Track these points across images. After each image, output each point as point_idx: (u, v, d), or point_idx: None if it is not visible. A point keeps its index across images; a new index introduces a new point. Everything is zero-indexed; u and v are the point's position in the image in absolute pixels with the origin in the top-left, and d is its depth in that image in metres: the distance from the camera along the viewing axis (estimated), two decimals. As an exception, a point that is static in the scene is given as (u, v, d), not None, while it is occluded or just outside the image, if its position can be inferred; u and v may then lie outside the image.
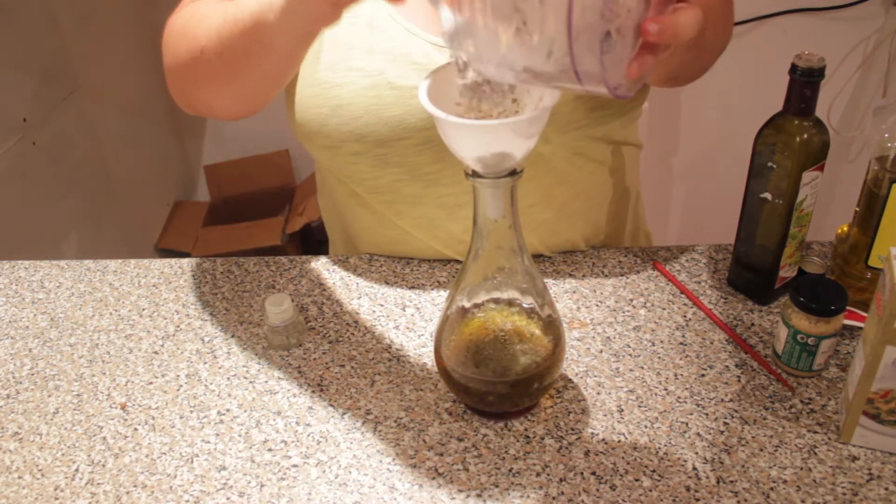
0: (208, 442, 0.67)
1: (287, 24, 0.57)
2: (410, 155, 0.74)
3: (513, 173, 0.54)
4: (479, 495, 0.60)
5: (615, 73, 0.43)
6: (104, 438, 0.68)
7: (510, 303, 0.64)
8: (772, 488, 0.59)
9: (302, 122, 0.75)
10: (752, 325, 0.74)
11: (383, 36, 0.72)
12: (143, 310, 0.83)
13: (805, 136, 0.67)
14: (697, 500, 0.58)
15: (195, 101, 0.72)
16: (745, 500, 0.58)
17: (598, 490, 0.60)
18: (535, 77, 0.44)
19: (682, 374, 0.69)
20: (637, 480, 0.60)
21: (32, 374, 0.76)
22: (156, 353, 0.77)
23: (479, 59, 0.46)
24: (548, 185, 0.78)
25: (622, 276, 0.82)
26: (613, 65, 0.43)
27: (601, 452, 0.63)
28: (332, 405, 0.69)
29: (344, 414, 0.68)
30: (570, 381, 0.70)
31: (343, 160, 0.76)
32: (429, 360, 0.73)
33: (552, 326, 0.64)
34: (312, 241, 2.27)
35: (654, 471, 0.61)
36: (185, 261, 0.90)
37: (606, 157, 0.81)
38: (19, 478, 0.65)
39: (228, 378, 0.73)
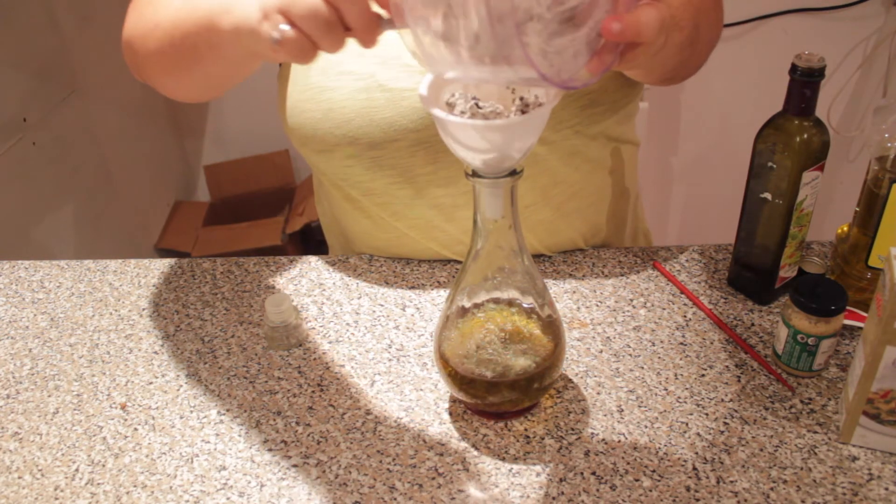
0: (208, 442, 0.67)
1: (235, 39, 0.55)
2: (403, 157, 0.74)
3: (513, 173, 0.54)
4: (479, 495, 0.60)
5: (568, 64, 0.42)
6: (104, 438, 0.68)
7: (510, 303, 0.64)
8: (772, 488, 0.59)
9: (295, 127, 0.75)
10: (752, 325, 0.74)
11: None
12: (143, 310, 0.83)
13: (805, 136, 0.67)
14: (697, 500, 0.58)
15: (144, 73, 0.71)
16: (745, 500, 0.58)
17: (598, 490, 0.60)
18: (474, 70, 0.43)
19: (682, 374, 0.69)
20: (637, 480, 0.60)
21: (32, 374, 0.76)
22: (156, 353, 0.77)
23: (429, 60, 0.45)
24: (545, 185, 0.78)
25: (622, 276, 0.82)
26: (565, 55, 0.42)
27: (601, 452, 0.63)
28: (332, 405, 0.69)
29: (344, 414, 0.68)
30: (570, 381, 0.69)
31: (338, 164, 0.76)
32: (429, 360, 0.73)
33: (552, 326, 0.64)
34: (312, 241, 2.26)
35: (654, 471, 0.61)
36: (185, 261, 0.90)
37: (604, 156, 0.81)
38: (19, 478, 0.65)
39: (228, 378, 0.73)
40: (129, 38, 0.69)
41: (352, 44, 0.72)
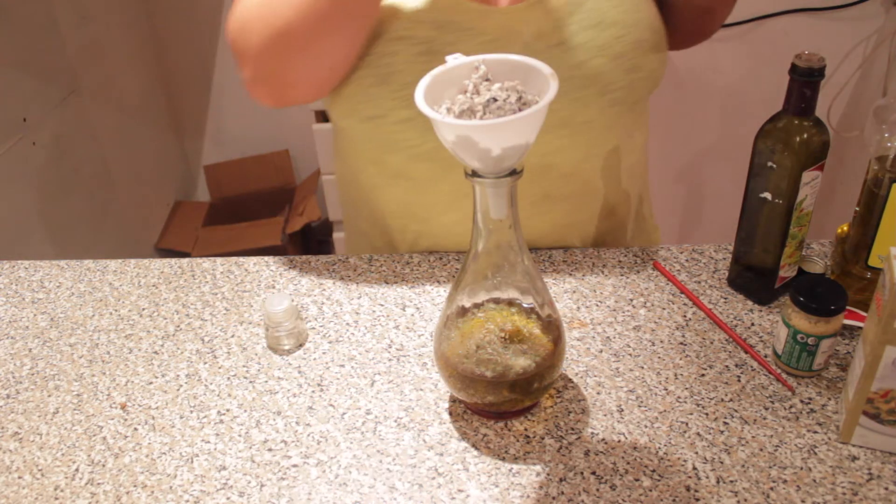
0: (208, 442, 0.67)
1: None
2: None
3: (513, 173, 0.54)
4: (479, 495, 0.60)
5: None
6: (104, 438, 0.68)
7: (510, 303, 0.64)
8: (772, 488, 0.59)
9: (348, 95, 0.76)
10: (752, 324, 0.74)
11: (428, 5, 0.73)
12: (143, 310, 0.83)
13: (805, 135, 0.67)
14: (697, 499, 0.58)
15: (287, 76, 0.73)
16: (745, 500, 0.58)
17: (598, 490, 0.60)
18: None
19: (682, 374, 0.69)
20: (637, 480, 0.60)
21: (32, 374, 0.76)
22: (156, 353, 0.77)
23: None
24: (583, 155, 0.80)
25: (622, 276, 0.82)
26: None
27: (601, 452, 0.63)
28: (332, 405, 0.69)
29: (344, 414, 0.68)
30: (570, 381, 0.70)
31: (388, 129, 0.77)
32: (429, 360, 0.73)
33: (552, 326, 0.64)
34: (312, 241, 2.27)
35: (653, 470, 0.61)
36: (185, 261, 0.90)
37: (628, 134, 0.83)
38: (19, 478, 0.65)
39: (228, 378, 0.73)
40: (246, 22, 0.71)
41: (406, 11, 0.73)
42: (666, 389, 0.68)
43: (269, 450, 0.65)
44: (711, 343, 0.73)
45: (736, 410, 0.66)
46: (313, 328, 0.78)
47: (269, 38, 0.70)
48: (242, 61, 0.73)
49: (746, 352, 0.71)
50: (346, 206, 0.95)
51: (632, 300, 0.78)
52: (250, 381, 0.72)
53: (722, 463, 0.61)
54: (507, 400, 0.63)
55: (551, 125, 0.75)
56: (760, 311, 0.76)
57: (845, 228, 0.76)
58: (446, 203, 0.82)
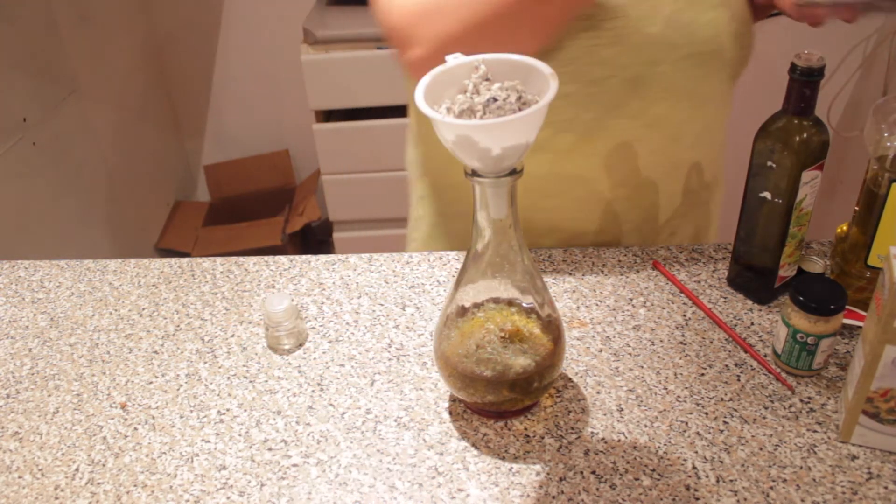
0: (208, 441, 0.67)
1: None
2: (621, 93, 0.76)
3: (512, 172, 0.55)
4: (479, 494, 0.60)
5: None
6: (104, 438, 0.68)
7: (510, 302, 0.64)
8: (771, 487, 0.59)
9: None
10: (752, 324, 0.74)
11: None
12: (143, 310, 0.83)
13: (804, 135, 0.67)
14: (697, 499, 0.59)
15: (445, 46, 0.72)
16: (745, 499, 0.58)
17: (597, 489, 0.60)
18: None
19: (681, 374, 0.69)
20: (637, 479, 0.60)
21: (32, 374, 0.76)
22: (156, 352, 0.77)
23: None
24: (703, 126, 0.82)
25: (622, 275, 0.82)
26: None
27: (601, 451, 0.63)
28: (332, 405, 0.69)
29: (344, 414, 0.68)
30: (570, 380, 0.70)
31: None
32: (429, 359, 0.73)
33: (552, 326, 0.64)
34: (312, 241, 2.27)
35: (653, 470, 0.61)
36: (185, 261, 0.91)
37: (728, 110, 0.86)
38: (19, 478, 0.65)
39: (228, 378, 0.73)
40: (431, 8, 0.70)
41: None
42: (666, 389, 0.68)
43: (270, 449, 0.65)
44: (711, 342, 0.73)
45: (735, 410, 0.66)
46: (313, 328, 0.78)
47: (465, 26, 0.68)
48: (418, 43, 0.71)
49: (746, 351, 0.71)
50: (442, 192, 0.93)
51: (631, 300, 0.78)
52: (250, 381, 0.73)
53: (721, 462, 0.61)
54: (506, 399, 0.63)
55: (680, 97, 0.78)
56: (760, 310, 0.76)
57: (845, 228, 0.76)
58: (579, 177, 0.82)
